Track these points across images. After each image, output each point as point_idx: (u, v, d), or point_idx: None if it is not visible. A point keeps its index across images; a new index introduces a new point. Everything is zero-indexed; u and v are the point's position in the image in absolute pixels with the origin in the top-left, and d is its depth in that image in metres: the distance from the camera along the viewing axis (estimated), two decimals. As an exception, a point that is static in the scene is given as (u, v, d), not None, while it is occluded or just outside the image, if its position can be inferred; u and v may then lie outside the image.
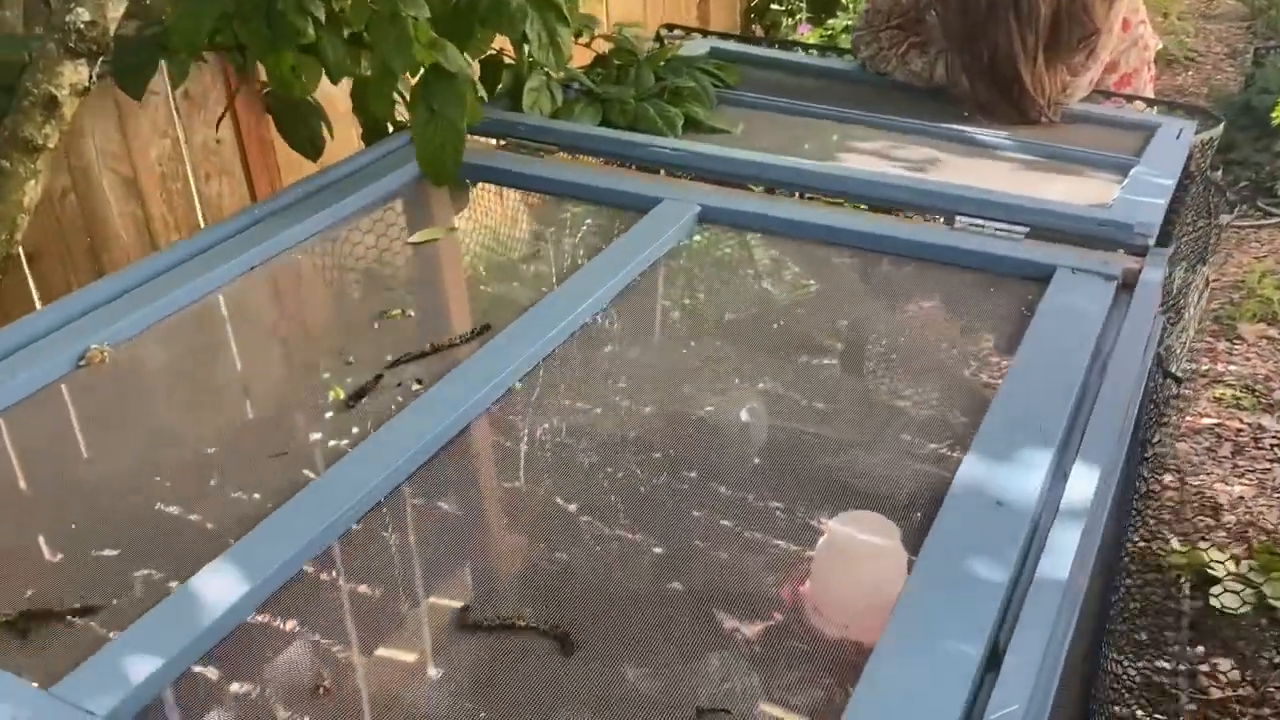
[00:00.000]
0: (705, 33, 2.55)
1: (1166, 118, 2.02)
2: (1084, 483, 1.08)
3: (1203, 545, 2.58)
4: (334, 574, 1.06)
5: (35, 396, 1.28)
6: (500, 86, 2.06)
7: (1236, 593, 2.42)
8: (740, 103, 2.11)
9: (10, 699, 0.88)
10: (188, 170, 2.41)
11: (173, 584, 1.00)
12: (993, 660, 0.91)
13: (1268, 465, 2.91)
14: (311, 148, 2.09)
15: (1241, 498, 2.80)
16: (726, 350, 1.54)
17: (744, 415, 1.39)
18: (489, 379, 1.28)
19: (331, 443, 1.25)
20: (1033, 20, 1.96)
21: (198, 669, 0.94)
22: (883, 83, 2.18)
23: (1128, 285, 1.46)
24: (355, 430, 1.25)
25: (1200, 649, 2.37)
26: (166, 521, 1.16)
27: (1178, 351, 1.73)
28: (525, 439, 1.29)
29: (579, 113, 1.95)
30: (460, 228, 1.79)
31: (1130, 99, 2.22)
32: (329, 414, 1.30)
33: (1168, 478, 2.79)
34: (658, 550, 1.16)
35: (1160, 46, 2.38)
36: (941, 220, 1.64)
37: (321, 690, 0.95)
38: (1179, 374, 1.62)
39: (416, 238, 1.72)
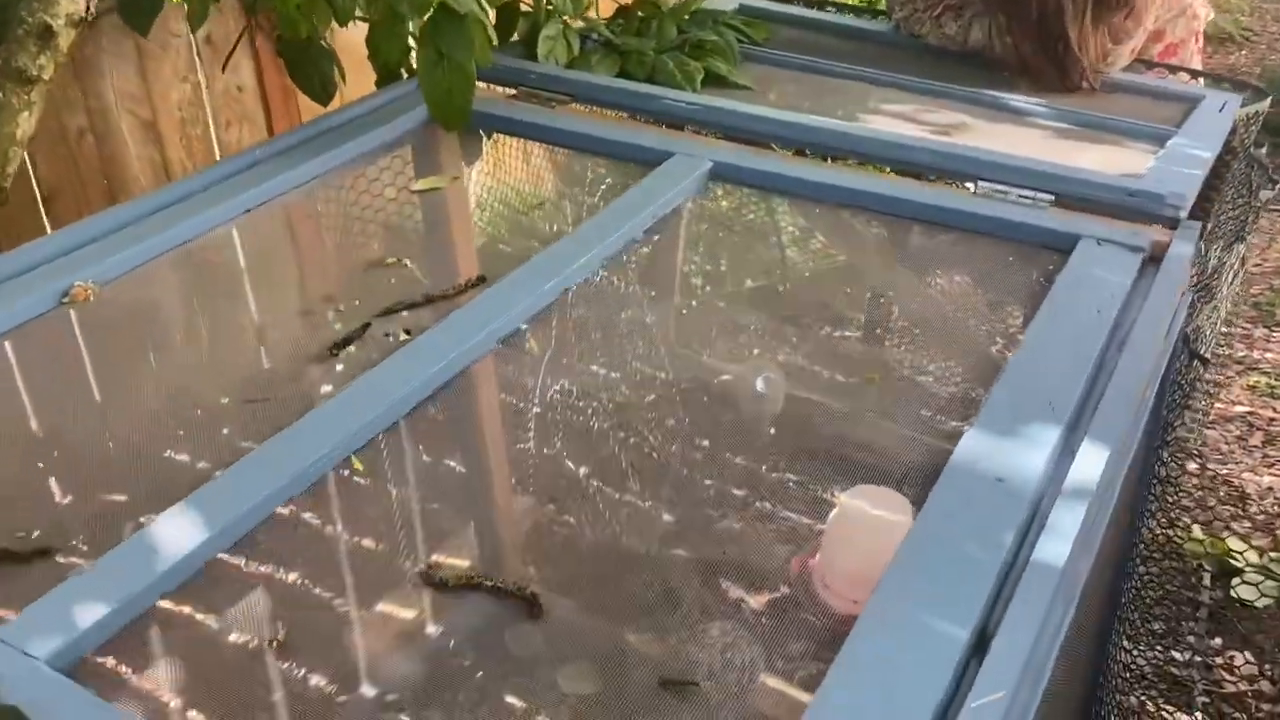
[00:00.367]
0: (734, -13, 2.47)
1: (1211, 90, 1.93)
2: (1092, 462, 1.02)
3: (1226, 535, 2.51)
4: (296, 527, 1.02)
5: (14, 332, 1.24)
6: (515, 34, 2.00)
7: (1258, 585, 2.35)
8: (767, 60, 2.04)
9: (-48, 641, 0.85)
10: (208, 116, 2.38)
11: (132, 527, 0.97)
12: (981, 643, 0.86)
13: (1299, 456, 2.83)
14: (323, 92, 2.05)
15: (1270, 489, 2.72)
16: (727, 311, 1.49)
17: (744, 374, 1.34)
18: (478, 330, 1.23)
19: (311, 390, 1.21)
20: None
21: (151, 615, 0.91)
22: (917, 45, 2.10)
23: (1155, 259, 1.39)
24: (337, 378, 1.21)
25: (1218, 640, 2.30)
26: (135, 464, 1.13)
27: (1208, 333, 1.65)
28: (513, 392, 1.25)
29: (595, 64, 1.89)
30: (466, 177, 1.74)
31: (1174, 70, 2.13)
32: (312, 362, 1.26)
33: (1192, 465, 2.70)
34: (647, 505, 1.12)
35: (1211, 17, 2.28)
36: (967, 186, 1.57)
37: (274, 644, 0.92)
38: (1207, 355, 1.55)
39: (420, 185, 1.67)
